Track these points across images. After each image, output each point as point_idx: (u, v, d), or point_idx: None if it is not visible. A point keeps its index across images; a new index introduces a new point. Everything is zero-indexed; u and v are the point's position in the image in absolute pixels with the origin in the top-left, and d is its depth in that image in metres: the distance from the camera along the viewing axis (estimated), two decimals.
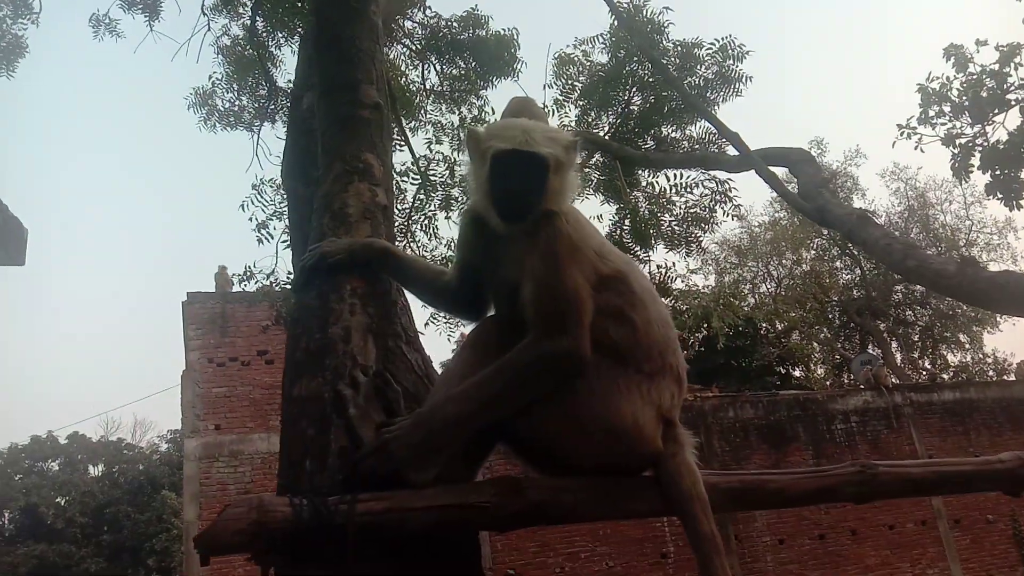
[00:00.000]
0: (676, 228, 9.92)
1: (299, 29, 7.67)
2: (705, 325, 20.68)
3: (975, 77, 10.96)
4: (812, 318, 26.29)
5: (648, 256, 9.69)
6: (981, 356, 28.33)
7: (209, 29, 9.71)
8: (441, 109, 10.36)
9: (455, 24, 9.91)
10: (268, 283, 8.77)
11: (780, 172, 8.74)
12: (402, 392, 2.12)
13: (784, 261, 27.80)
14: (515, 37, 9.78)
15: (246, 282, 8.87)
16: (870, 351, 24.90)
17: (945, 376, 25.97)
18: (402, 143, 9.24)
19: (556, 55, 10.38)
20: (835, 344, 27.63)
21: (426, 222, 9.57)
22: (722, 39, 9.66)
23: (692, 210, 9.82)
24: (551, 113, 9.97)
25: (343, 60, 2.61)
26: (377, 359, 2.12)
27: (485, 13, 9.88)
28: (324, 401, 1.98)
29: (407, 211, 9.61)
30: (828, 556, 15.31)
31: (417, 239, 9.67)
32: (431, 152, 9.50)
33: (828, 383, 25.18)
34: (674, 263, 10.41)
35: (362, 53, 2.63)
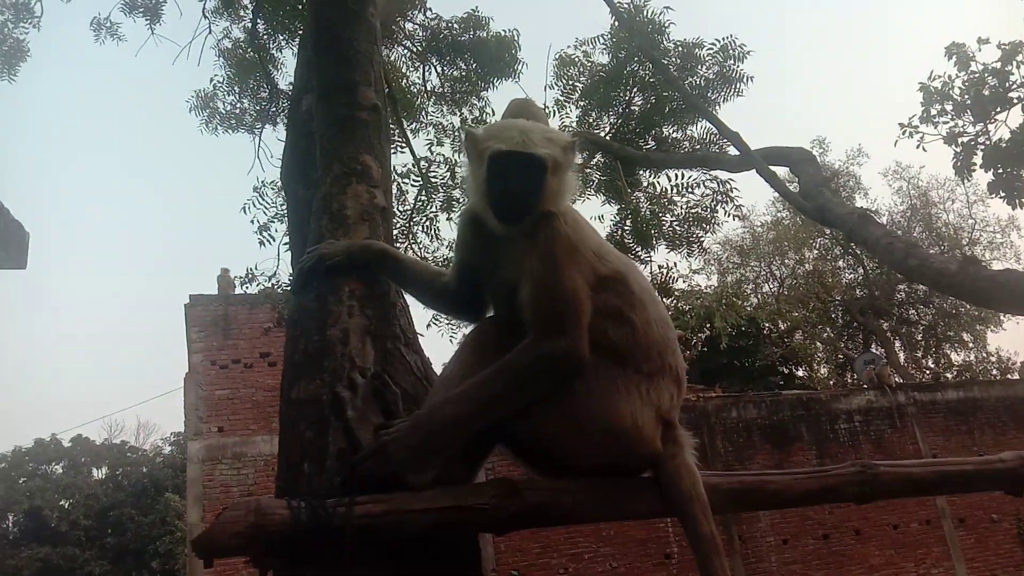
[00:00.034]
0: (677, 228, 9.93)
1: (299, 31, 7.69)
2: (708, 325, 20.72)
3: (977, 75, 10.94)
4: (815, 318, 26.25)
5: (649, 256, 9.69)
6: (985, 355, 28.30)
7: (210, 32, 9.76)
8: (442, 110, 10.39)
9: (456, 25, 9.93)
10: (270, 285, 8.80)
11: (781, 172, 8.74)
12: (401, 394, 2.12)
13: (787, 261, 27.77)
14: (516, 38, 9.80)
15: (248, 284, 8.91)
16: (873, 350, 24.84)
17: (949, 375, 25.92)
18: (403, 144, 9.26)
19: (557, 56, 10.40)
20: (838, 344, 27.58)
21: (428, 223, 9.60)
22: (723, 39, 9.68)
23: (693, 210, 9.82)
24: (552, 114, 9.97)
25: (341, 62, 2.61)
26: (375, 361, 2.12)
27: (485, 14, 9.92)
28: (322, 403, 1.98)
29: (409, 213, 9.63)
30: (832, 556, 15.29)
31: (419, 240, 9.70)
32: (432, 154, 9.52)
33: (831, 383, 25.17)
34: (675, 264, 10.41)
35: (360, 55, 2.63)
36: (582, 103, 10.23)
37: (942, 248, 25.59)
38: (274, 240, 8.57)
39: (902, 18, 57.00)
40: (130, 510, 28.04)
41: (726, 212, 9.86)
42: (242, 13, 9.86)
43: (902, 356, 27.26)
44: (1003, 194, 10.64)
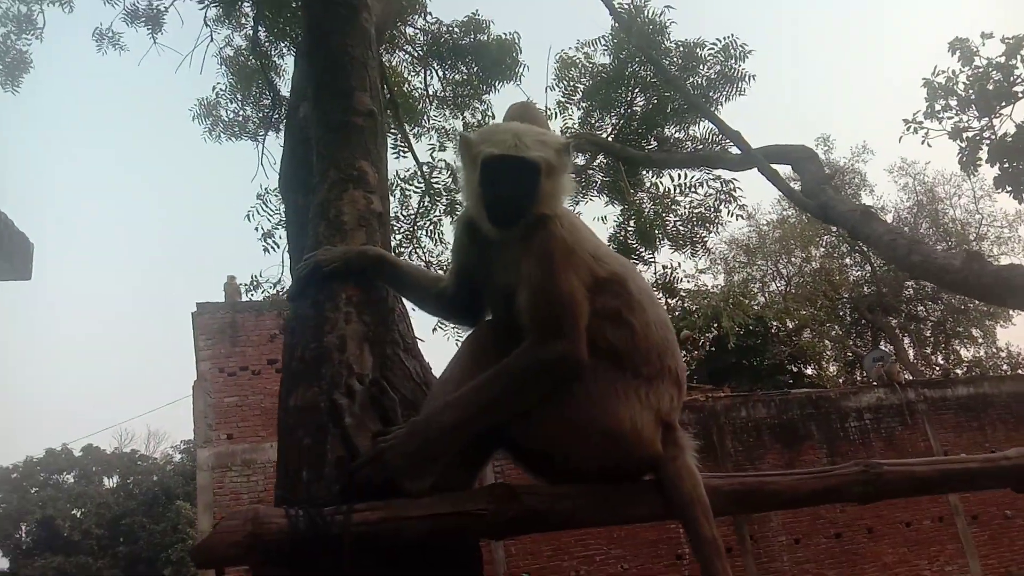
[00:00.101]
0: (681, 228, 9.90)
1: (299, 38, 7.72)
2: (715, 324, 20.72)
3: (981, 70, 10.92)
4: (823, 316, 26.17)
5: (653, 257, 9.68)
6: (995, 350, 28.14)
7: (212, 40, 9.80)
8: (444, 114, 10.40)
9: (456, 29, 9.94)
10: (275, 292, 8.82)
11: (784, 170, 8.71)
12: (400, 400, 2.11)
13: (793, 259, 27.70)
14: (516, 41, 9.80)
15: (253, 291, 8.93)
16: (882, 347, 24.73)
17: (958, 371, 25.77)
18: (405, 149, 9.27)
19: (558, 58, 10.40)
20: (847, 341, 27.47)
21: (432, 228, 9.61)
22: (724, 39, 9.66)
23: (697, 210, 9.80)
24: (554, 116, 9.97)
25: (335, 68, 2.61)
26: (374, 367, 2.12)
27: (486, 18, 9.91)
28: (320, 411, 1.97)
29: (413, 217, 9.64)
30: (845, 555, 15.20)
31: (423, 245, 9.71)
32: (433, 159, 9.53)
33: (840, 381, 25.06)
34: (679, 264, 10.40)
35: (354, 60, 2.63)
36: (584, 104, 10.22)
37: (949, 244, 25.48)
38: (278, 247, 8.61)
39: (905, 14, 56.86)
40: (141, 518, 28.16)
41: (729, 212, 9.85)
42: (243, 21, 9.90)
43: (911, 353, 27.13)
44: (1009, 188, 10.62)
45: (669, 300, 11.14)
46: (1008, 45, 10.64)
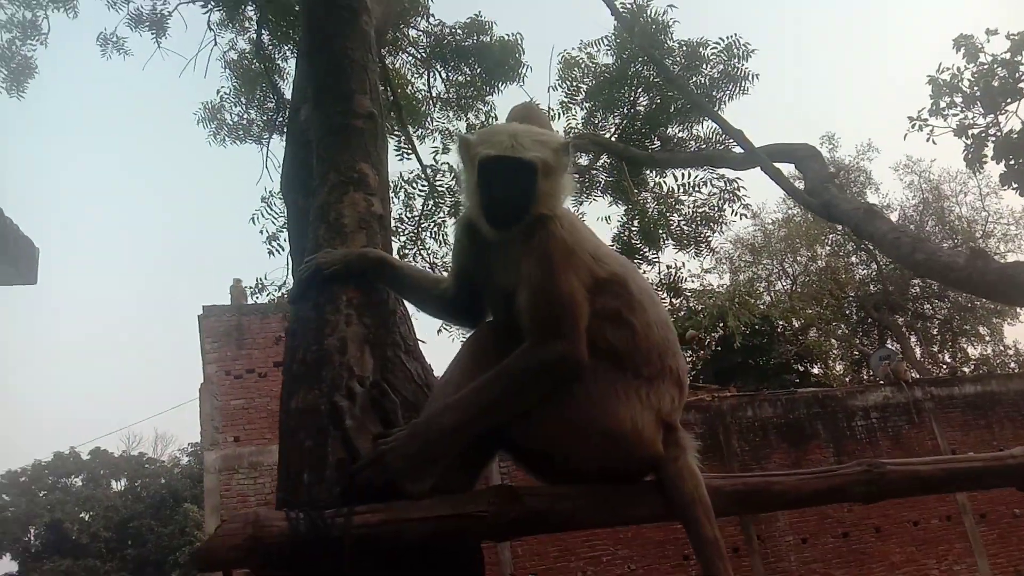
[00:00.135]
0: (685, 228, 9.89)
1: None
2: (721, 324, 20.60)
3: (986, 67, 10.87)
4: (829, 314, 26.10)
5: (657, 257, 9.67)
6: (1002, 348, 28.03)
7: (216, 44, 9.82)
8: (448, 116, 10.43)
9: (459, 31, 9.96)
10: (280, 294, 8.84)
11: (788, 168, 8.69)
12: (402, 401, 2.11)
13: (799, 258, 27.63)
14: (519, 42, 9.81)
15: (258, 294, 8.96)
16: (889, 346, 24.64)
17: (966, 369, 25.69)
18: (409, 151, 9.28)
19: (561, 58, 10.41)
20: (853, 340, 27.39)
21: (436, 230, 9.61)
22: (727, 38, 9.66)
23: (701, 209, 9.79)
24: (557, 116, 9.97)
25: (335, 71, 2.61)
26: (375, 369, 2.12)
27: (488, 19, 9.93)
28: (321, 413, 1.97)
29: (416, 219, 9.65)
30: (852, 554, 15.15)
31: (428, 246, 9.72)
32: (436, 162, 9.54)
33: (847, 379, 24.99)
34: (684, 263, 10.38)
35: (354, 63, 2.63)
36: (587, 104, 10.22)
37: (955, 241, 25.39)
38: (283, 250, 8.63)
39: (909, 11, 56.68)
40: (149, 521, 28.23)
41: (733, 211, 9.83)
42: (247, 25, 9.93)
43: (918, 351, 27.04)
44: (1016, 185, 10.57)
45: (673, 300, 11.11)
46: (1013, 41, 10.58)
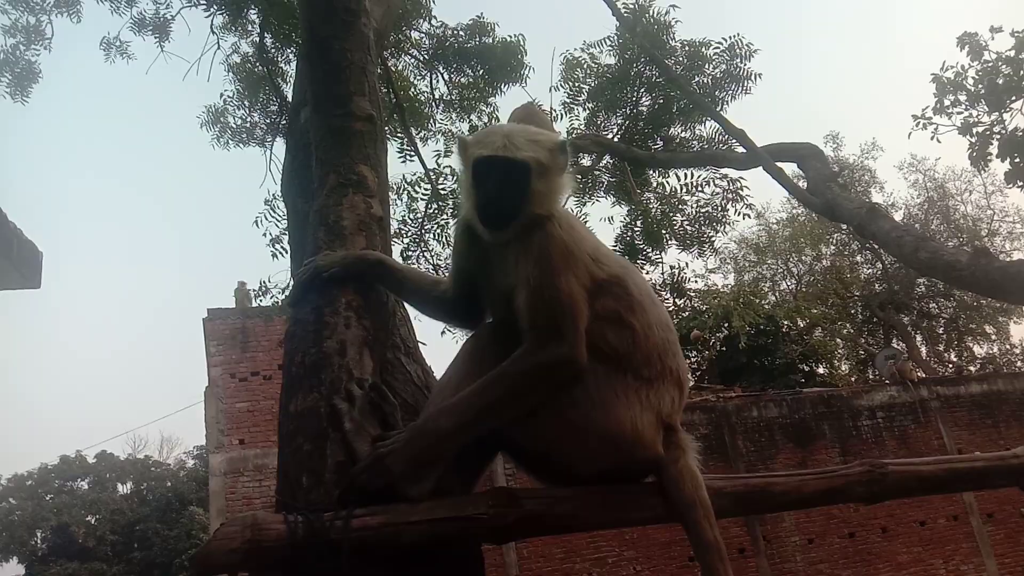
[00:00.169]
0: (688, 228, 9.88)
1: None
2: (726, 324, 20.65)
3: (990, 65, 10.85)
4: (834, 314, 26.04)
5: (660, 257, 9.66)
6: (1008, 347, 27.95)
7: (219, 47, 9.84)
8: (451, 118, 10.42)
9: (461, 33, 9.96)
10: (284, 297, 8.85)
11: (791, 168, 8.68)
12: (402, 404, 2.11)
13: (804, 257, 27.58)
14: (522, 43, 9.80)
15: (261, 297, 8.97)
16: (894, 345, 24.61)
17: (972, 368, 25.58)
18: (412, 153, 9.29)
19: (563, 58, 10.40)
20: (858, 339, 27.33)
21: (439, 232, 9.61)
22: (730, 38, 9.66)
23: (704, 209, 9.78)
24: (560, 117, 9.97)
25: (334, 73, 2.61)
26: (374, 371, 2.11)
27: (491, 20, 9.93)
28: (320, 416, 1.96)
29: (420, 221, 9.66)
30: (859, 554, 15.12)
31: (431, 248, 9.72)
32: (439, 166, 9.55)
33: (853, 379, 24.90)
34: (687, 264, 10.37)
35: (353, 66, 2.63)
36: (590, 105, 10.21)
37: (961, 240, 25.30)
38: (286, 252, 8.61)
39: (912, 9, 56.55)
40: (155, 524, 28.27)
41: (737, 211, 9.82)
42: (250, 28, 9.95)
43: (924, 350, 26.96)
44: (1021, 183, 10.54)
45: (677, 301, 11.11)
46: (1017, 39, 10.56)
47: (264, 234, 8.83)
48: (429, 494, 1.81)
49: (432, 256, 9.67)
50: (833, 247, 27.40)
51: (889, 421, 16.50)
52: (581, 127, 10.12)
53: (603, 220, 9.98)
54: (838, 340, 26.85)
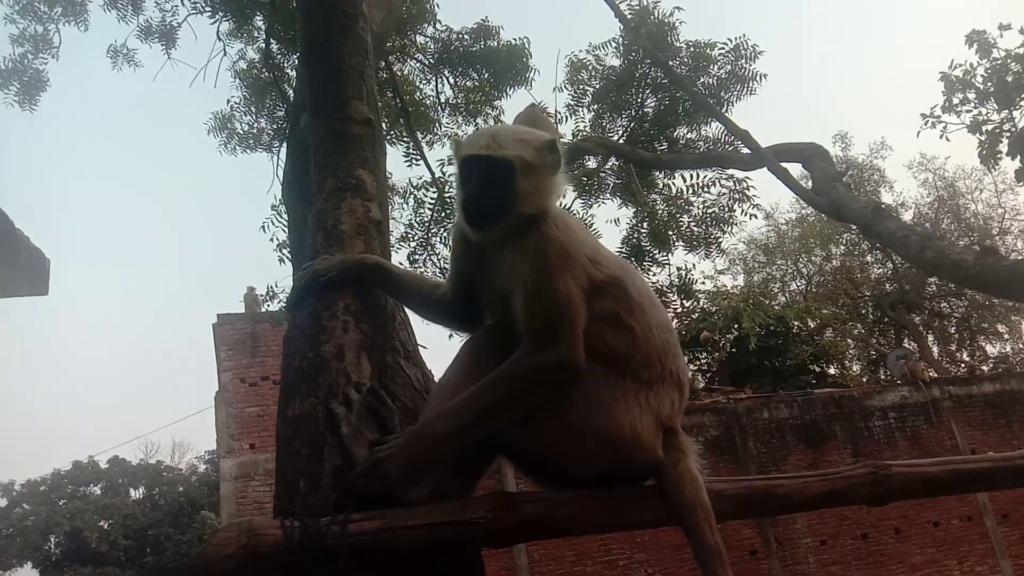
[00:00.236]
0: (695, 229, 9.85)
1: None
2: (736, 325, 20.57)
3: (999, 62, 10.78)
4: (845, 314, 25.90)
5: (667, 259, 9.63)
6: (1021, 346, 27.72)
7: (225, 54, 9.89)
8: (457, 121, 10.42)
9: (467, 36, 9.97)
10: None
11: (797, 168, 8.64)
12: (401, 407, 2.10)
13: (813, 258, 27.43)
14: (526, 46, 9.81)
15: (269, 302, 8.99)
16: (906, 345, 24.46)
17: (984, 368, 25.37)
18: (418, 157, 9.30)
19: (568, 60, 10.39)
20: (869, 340, 27.17)
21: (446, 235, 9.61)
22: (735, 39, 9.64)
23: (710, 210, 9.75)
24: (564, 119, 9.96)
25: (332, 77, 2.61)
26: (372, 376, 2.10)
27: (496, 24, 9.94)
28: (317, 421, 1.96)
29: (427, 224, 9.66)
30: (872, 556, 15.03)
31: (438, 252, 9.72)
32: (444, 174, 9.56)
33: (864, 380, 24.76)
34: (694, 265, 10.34)
35: (351, 70, 2.63)
36: (595, 107, 10.20)
37: (972, 239, 25.13)
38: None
39: (920, 7, 56.30)
40: (168, 529, 28.38)
41: (744, 211, 9.79)
42: (255, 34, 10.00)
43: (935, 350, 26.78)
44: None
45: (686, 302, 11.08)
46: None
47: (271, 239, 8.86)
48: (427, 498, 1.80)
49: (439, 260, 9.68)
50: (843, 247, 27.25)
51: (901, 422, 16.40)
52: (586, 129, 10.11)
53: (609, 222, 10.00)
54: (849, 340, 26.70)
